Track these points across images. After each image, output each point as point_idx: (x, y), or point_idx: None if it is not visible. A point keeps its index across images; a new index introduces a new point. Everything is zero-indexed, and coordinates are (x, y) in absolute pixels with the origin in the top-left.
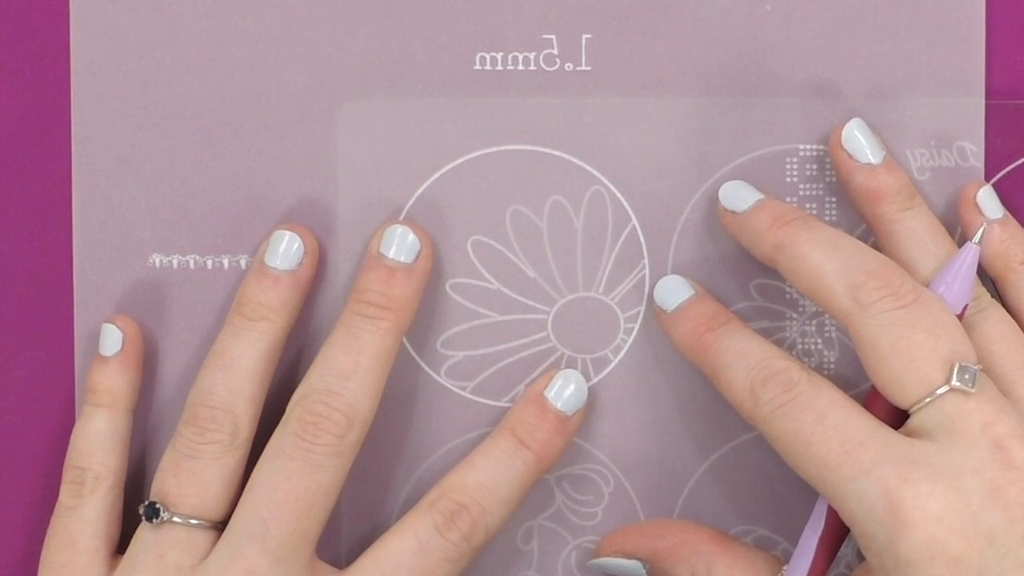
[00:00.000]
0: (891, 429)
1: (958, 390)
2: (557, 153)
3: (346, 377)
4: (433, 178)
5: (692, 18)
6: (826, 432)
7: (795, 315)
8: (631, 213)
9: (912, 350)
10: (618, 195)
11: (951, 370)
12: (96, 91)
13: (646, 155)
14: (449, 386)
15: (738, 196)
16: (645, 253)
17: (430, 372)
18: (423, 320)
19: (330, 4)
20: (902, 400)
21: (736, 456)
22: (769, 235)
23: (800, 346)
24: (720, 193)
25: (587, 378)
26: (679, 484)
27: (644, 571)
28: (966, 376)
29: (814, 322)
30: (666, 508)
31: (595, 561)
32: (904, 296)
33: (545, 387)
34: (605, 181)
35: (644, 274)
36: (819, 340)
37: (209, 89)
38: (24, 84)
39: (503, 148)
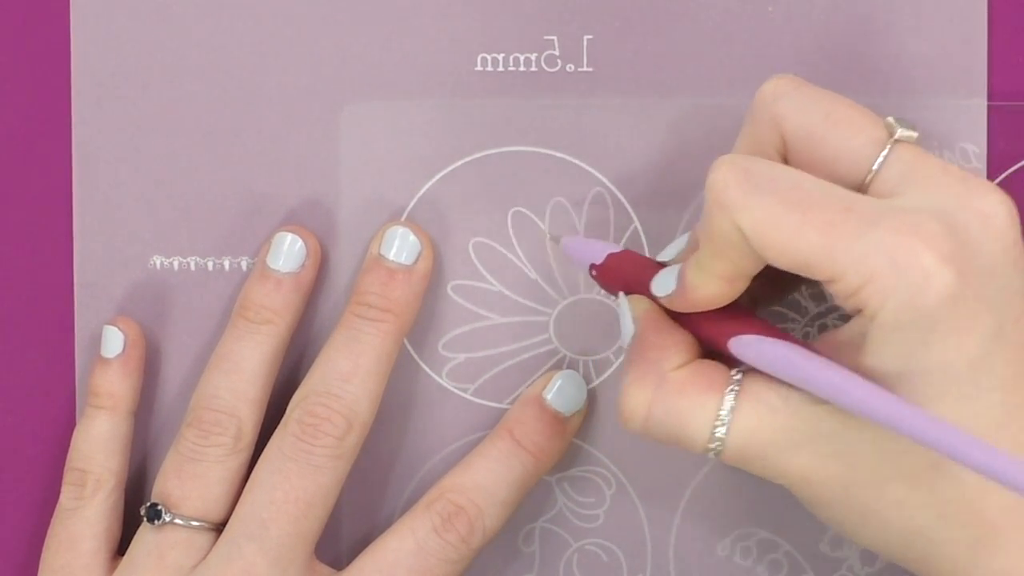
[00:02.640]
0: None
1: (903, 139)
2: (559, 154)
3: (346, 379)
4: (434, 179)
5: (694, 19)
6: (814, 196)
7: (798, 317)
8: (633, 214)
9: (847, 118)
10: (620, 196)
11: (888, 125)
12: (96, 92)
13: (648, 156)
14: (450, 388)
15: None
16: (647, 254)
17: (431, 374)
18: (424, 322)
19: (331, 5)
20: (860, 165)
21: None
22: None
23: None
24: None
25: (589, 380)
26: (681, 486)
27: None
28: (903, 125)
29: (816, 323)
30: (668, 510)
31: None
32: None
33: (544, 388)
34: (607, 182)
35: None
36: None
37: (210, 90)
38: (24, 84)
39: (504, 149)
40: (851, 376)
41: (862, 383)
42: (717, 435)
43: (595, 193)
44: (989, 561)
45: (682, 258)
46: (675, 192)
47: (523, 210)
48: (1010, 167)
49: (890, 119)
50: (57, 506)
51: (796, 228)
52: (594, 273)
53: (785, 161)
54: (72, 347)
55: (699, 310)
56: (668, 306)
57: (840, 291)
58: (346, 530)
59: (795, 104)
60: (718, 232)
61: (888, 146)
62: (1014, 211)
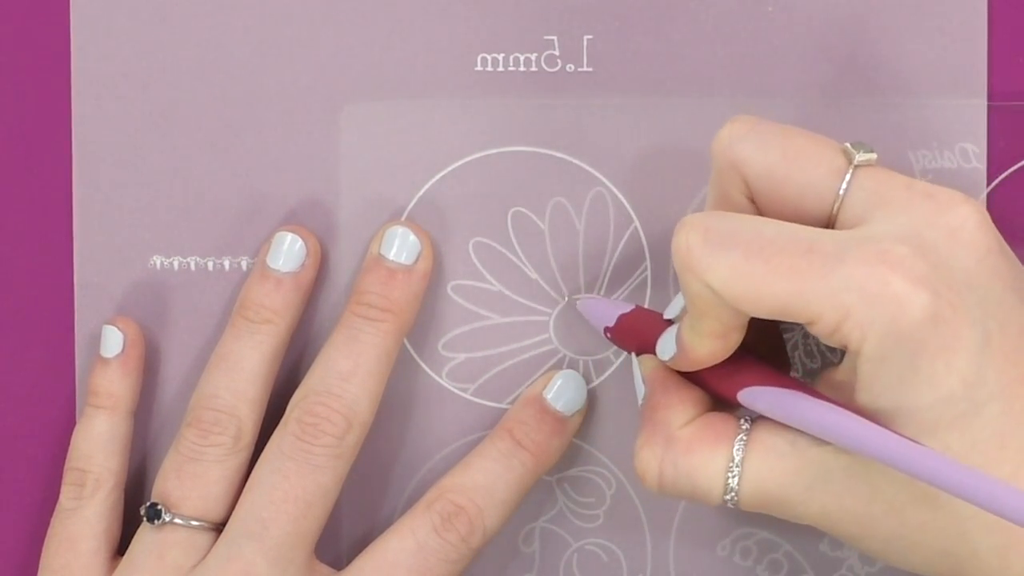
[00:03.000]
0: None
1: (864, 164)
2: (559, 154)
3: (346, 379)
4: (434, 179)
5: (694, 19)
6: (777, 243)
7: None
8: (633, 214)
9: (805, 151)
10: (620, 196)
11: (846, 151)
12: (96, 91)
13: (648, 156)
14: (450, 388)
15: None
16: (647, 255)
17: (431, 374)
18: (424, 322)
19: (331, 5)
20: (825, 197)
21: None
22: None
23: (803, 347)
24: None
25: (589, 380)
26: None
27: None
28: (861, 150)
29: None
30: (668, 510)
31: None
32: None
33: (544, 388)
34: (607, 182)
35: (646, 275)
36: (822, 342)
37: (210, 90)
38: (24, 84)
39: (505, 149)
40: (851, 417)
41: (862, 423)
42: (730, 485)
43: (595, 193)
44: (1021, 565)
45: (684, 315)
46: (675, 192)
47: (523, 210)
48: (1010, 167)
49: (847, 145)
50: (57, 506)
51: (763, 278)
52: (609, 336)
53: (752, 202)
54: (72, 347)
55: (703, 367)
56: (674, 367)
57: (821, 331)
58: (346, 530)
59: (751, 146)
60: (693, 294)
61: (849, 173)
62: (984, 221)
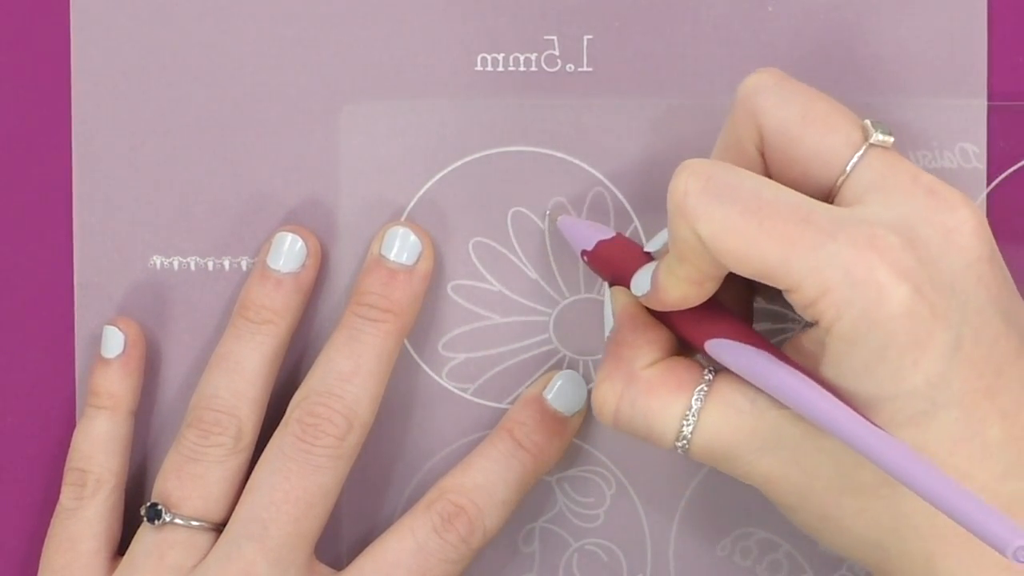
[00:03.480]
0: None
1: (878, 144)
2: (559, 154)
3: (346, 379)
4: (434, 179)
5: (694, 19)
6: (774, 206)
7: (797, 316)
8: (633, 214)
9: (824, 117)
10: (620, 196)
11: (865, 128)
12: (96, 91)
13: (648, 156)
14: (450, 388)
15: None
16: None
17: (431, 374)
18: (424, 322)
19: (331, 5)
20: (833, 167)
21: None
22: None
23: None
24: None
25: (589, 380)
26: (681, 486)
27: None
28: (880, 130)
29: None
30: (668, 510)
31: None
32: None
33: (544, 388)
34: (607, 182)
35: None
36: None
37: (210, 90)
38: (24, 84)
39: (504, 149)
40: (814, 387)
41: (824, 396)
42: (684, 433)
43: (595, 193)
44: (946, 574)
45: (664, 252)
46: None
47: (523, 210)
48: (1010, 167)
49: (867, 122)
50: (57, 506)
51: (753, 238)
52: (585, 260)
53: (762, 155)
54: (72, 347)
55: (673, 310)
56: (645, 304)
57: (797, 301)
58: (346, 530)
59: (774, 100)
60: (679, 238)
61: (862, 150)
62: (981, 227)
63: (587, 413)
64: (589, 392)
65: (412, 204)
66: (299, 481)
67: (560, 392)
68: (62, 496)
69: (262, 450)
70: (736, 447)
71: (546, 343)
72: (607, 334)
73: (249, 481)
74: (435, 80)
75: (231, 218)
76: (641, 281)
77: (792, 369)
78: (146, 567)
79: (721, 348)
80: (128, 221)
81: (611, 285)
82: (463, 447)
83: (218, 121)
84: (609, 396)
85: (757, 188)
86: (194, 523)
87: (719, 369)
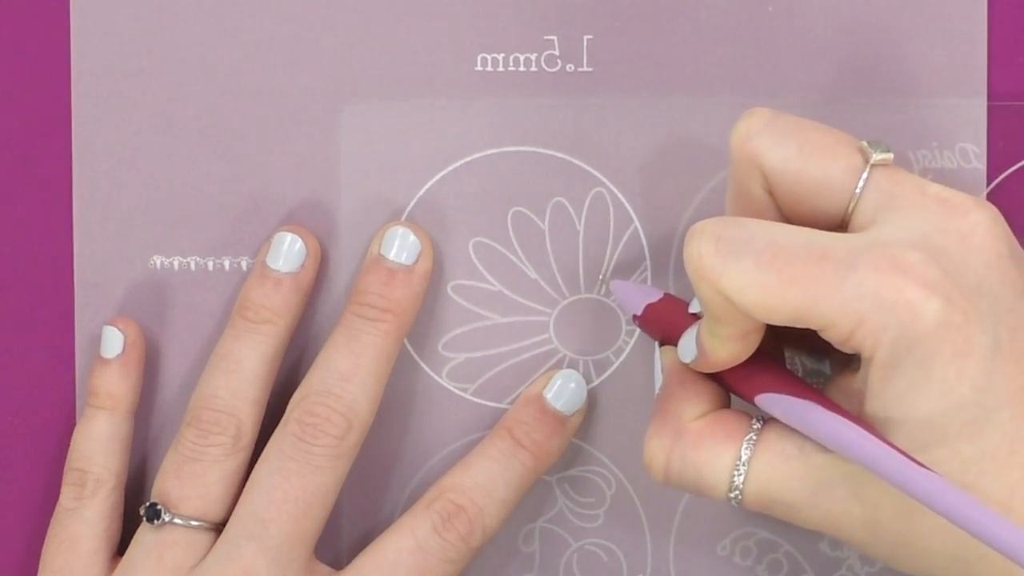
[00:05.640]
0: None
1: (880, 164)
2: (559, 154)
3: (346, 379)
4: (434, 179)
5: (694, 19)
6: (790, 250)
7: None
8: (633, 215)
9: (821, 146)
10: (620, 196)
11: (863, 149)
12: (96, 91)
13: (648, 156)
14: (450, 388)
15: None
16: (647, 255)
17: (431, 374)
18: (424, 322)
19: (332, 5)
20: (840, 195)
21: None
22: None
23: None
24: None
25: (588, 380)
26: None
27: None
28: (878, 149)
29: None
30: (668, 510)
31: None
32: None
33: (544, 388)
34: (607, 182)
35: (646, 276)
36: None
37: (210, 90)
38: (24, 84)
39: (505, 149)
40: (855, 430)
41: (863, 437)
42: (736, 483)
43: (595, 193)
44: None
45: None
46: (675, 192)
47: (523, 210)
48: (1010, 167)
49: (864, 143)
50: (57, 506)
51: (776, 287)
52: (637, 323)
53: (771, 195)
54: (72, 347)
55: (724, 369)
56: (696, 369)
57: (834, 337)
58: (346, 530)
59: (768, 139)
60: (708, 300)
61: (865, 172)
62: (996, 225)
63: (586, 412)
64: (589, 392)
65: (412, 204)
66: (299, 481)
67: (560, 391)
68: (62, 496)
69: (262, 450)
70: (790, 493)
71: (546, 343)
72: (656, 393)
73: (249, 481)
74: (435, 80)
75: (231, 218)
76: (687, 348)
77: (835, 415)
78: (145, 567)
79: (771, 402)
80: (128, 221)
81: (661, 345)
82: (463, 447)
83: (218, 121)
84: (658, 452)
85: (769, 235)
86: (193, 523)
87: (767, 418)
